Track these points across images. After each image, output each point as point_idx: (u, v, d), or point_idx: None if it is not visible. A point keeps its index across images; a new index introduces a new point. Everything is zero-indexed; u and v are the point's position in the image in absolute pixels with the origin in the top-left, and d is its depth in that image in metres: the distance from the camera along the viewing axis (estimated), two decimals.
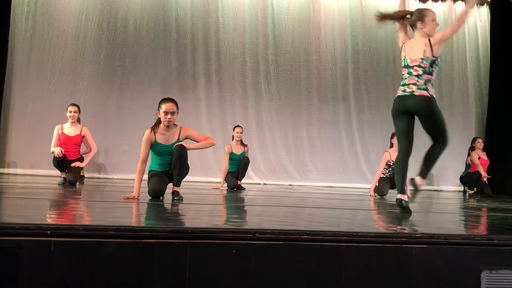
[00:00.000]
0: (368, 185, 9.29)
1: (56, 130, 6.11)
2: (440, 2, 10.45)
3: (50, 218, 2.48)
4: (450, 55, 10.28)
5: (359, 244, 2.18)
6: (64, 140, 6.06)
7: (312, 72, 9.63)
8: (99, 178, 8.20)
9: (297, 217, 3.46)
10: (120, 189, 5.64)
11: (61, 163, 5.89)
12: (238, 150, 6.89)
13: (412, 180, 3.60)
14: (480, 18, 10.52)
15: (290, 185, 9.08)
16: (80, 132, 6.20)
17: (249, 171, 9.09)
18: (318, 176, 9.44)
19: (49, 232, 1.95)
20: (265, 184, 9.02)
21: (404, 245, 2.19)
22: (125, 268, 2.00)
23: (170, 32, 9.01)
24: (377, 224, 3.18)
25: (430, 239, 2.23)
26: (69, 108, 6.18)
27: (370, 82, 9.83)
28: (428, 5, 10.38)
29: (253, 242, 2.13)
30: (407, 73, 3.71)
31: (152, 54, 8.90)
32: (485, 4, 10.52)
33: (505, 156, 8.85)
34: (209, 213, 3.45)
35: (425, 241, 2.22)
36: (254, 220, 3.09)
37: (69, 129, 6.15)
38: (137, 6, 8.93)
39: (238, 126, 7.05)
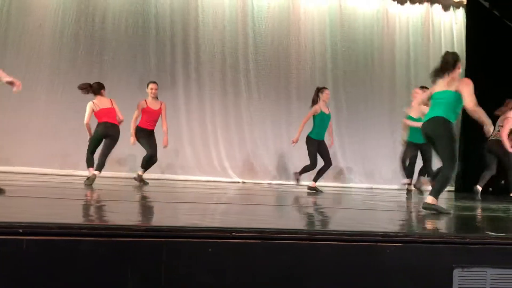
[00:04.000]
0: (346, 184, 9.41)
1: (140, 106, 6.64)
2: (417, 4, 10.62)
3: (22, 216, 2.43)
4: (426, 57, 10.46)
5: (334, 243, 2.20)
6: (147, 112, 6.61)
7: (291, 71, 9.67)
8: (76, 176, 8.08)
9: (275, 215, 3.47)
10: (96, 187, 5.56)
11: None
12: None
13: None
14: (456, 21, 10.73)
15: (269, 183, 9.10)
16: (160, 107, 6.66)
17: (228, 169, 9.12)
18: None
19: (21, 230, 1.91)
20: (244, 182, 9.02)
21: (379, 244, 2.22)
22: (100, 267, 1.98)
23: (149, 29, 8.93)
24: (352, 222, 3.21)
25: (404, 238, 2.27)
26: (150, 86, 6.66)
27: (349, 82, 9.92)
28: (406, 7, 10.55)
29: (229, 240, 2.12)
30: None
31: (130, 51, 8.81)
32: (461, 7, 10.73)
33: (480, 156, 9.02)
34: (186, 211, 3.44)
35: (399, 239, 2.25)
36: (232, 219, 3.08)
37: (151, 104, 6.65)
38: (115, 2, 8.82)
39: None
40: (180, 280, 2.04)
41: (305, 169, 7.01)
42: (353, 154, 9.69)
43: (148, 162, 6.55)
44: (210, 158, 9.04)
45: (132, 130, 6.55)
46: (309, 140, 6.96)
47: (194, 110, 9.09)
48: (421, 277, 2.21)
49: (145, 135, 6.56)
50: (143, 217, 2.93)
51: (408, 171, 6.79)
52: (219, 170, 9.06)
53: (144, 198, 4.59)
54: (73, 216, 2.84)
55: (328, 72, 9.82)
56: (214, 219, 3.02)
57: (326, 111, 6.97)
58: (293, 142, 7.10)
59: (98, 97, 6.16)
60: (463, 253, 2.28)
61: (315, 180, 6.92)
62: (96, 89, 6.13)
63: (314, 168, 6.96)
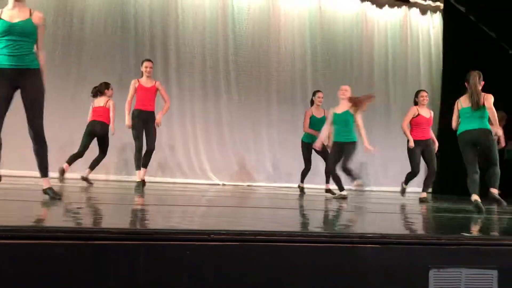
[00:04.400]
0: (324, 186, 9.46)
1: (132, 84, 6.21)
2: (396, 8, 10.77)
3: None
4: (404, 59, 10.61)
5: (313, 244, 2.21)
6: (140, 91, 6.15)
7: (271, 73, 9.70)
8: (55, 178, 7.94)
9: (254, 217, 3.47)
10: (74, 189, 5.49)
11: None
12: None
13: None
14: (433, 25, 10.92)
15: (249, 185, 9.10)
16: (154, 85, 6.22)
17: (208, 171, 9.09)
18: (277, 177, 9.51)
19: None
20: (224, 184, 9.01)
21: (356, 245, 2.24)
22: (77, 272, 1.95)
23: (128, 29, 8.85)
24: (331, 224, 3.24)
25: (382, 239, 2.29)
26: (145, 64, 6.23)
27: (329, 85, 9.97)
28: (384, 10, 10.69)
29: (208, 243, 2.11)
30: None
31: (109, 51, 8.70)
32: (438, 11, 10.93)
33: (456, 158, 9.18)
34: (164, 214, 3.42)
35: (376, 240, 2.27)
36: (211, 221, 3.07)
37: (145, 82, 6.20)
38: (94, 2, 8.71)
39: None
40: (158, 284, 2.03)
41: (302, 174, 7.06)
42: None
43: (148, 159, 5.95)
44: (189, 160, 9.00)
45: (126, 111, 6.10)
46: (302, 144, 7.03)
47: (173, 112, 9.02)
48: (398, 277, 2.23)
49: (141, 119, 5.98)
50: (120, 220, 2.90)
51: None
52: (199, 172, 9.03)
53: (121, 200, 4.54)
54: (49, 219, 2.79)
55: (308, 74, 9.88)
56: (193, 221, 3.01)
57: (318, 114, 7.01)
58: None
59: (100, 97, 6.64)
60: (438, 254, 2.32)
61: (327, 182, 6.89)
62: (101, 89, 6.72)
63: (309, 170, 6.93)
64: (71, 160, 6.38)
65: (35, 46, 3.67)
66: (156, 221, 2.92)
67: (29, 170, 7.58)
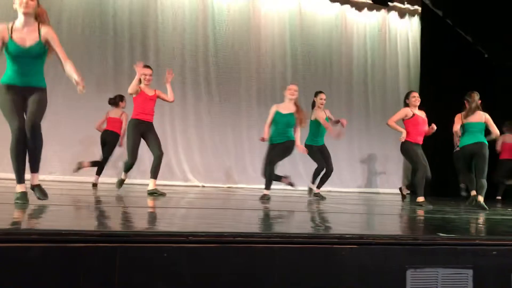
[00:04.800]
0: (305, 187, 9.50)
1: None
2: (375, 11, 10.89)
3: None
4: (383, 62, 10.73)
5: (291, 245, 2.21)
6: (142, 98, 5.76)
7: (252, 75, 9.69)
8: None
9: (234, 219, 3.46)
10: (49, 191, 5.38)
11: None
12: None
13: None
14: (411, 28, 11.08)
15: (229, 187, 9.08)
16: (155, 93, 5.91)
17: (187, 173, 9.02)
18: (257, 179, 9.49)
19: None
20: (204, 186, 8.96)
21: (334, 246, 2.25)
22: (50, 275, 1.90)
23: (106, 30, 8.74)
24: (309, 225, 3.25)
25: (359, 240, 2.31)
26: (144, 71, 5.77)
27: (308, 87, 10.02)
28: (364, 13, 10.79)
29: (186, 245, 2.09)
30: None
31: (87, 52, 8.57)
32: (416, 15, 11.10)
33: (433, 159, 9.32)
34: (142, 216, 3.38)
35: (354, 241, 2.28)
36: (190, 223, 3.05)
37: (145, 89, 5.80)
38: (72, 2, 8.58)
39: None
40: (135, 286, 2.00)
41: (315, 174, 6.84)
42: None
43: (157, 166, 5.59)
44: (169, 161, 8.92)
45: (137, 77, 5.70)
46: (307, 147, 6.87)
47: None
48: (375, 277, 2.25)
49: (139, 131, 5.64)
50: (96, 222, 2.85)
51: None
52: (178, 174, 8.96)
53: (98, 202, 4.48)
54: (22, 221, 2.73)
55: (288, 76, 9.90)
56: (171, 223, 2.98)
57: (321, 116, 6.74)
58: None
59: (116, 108, 6.97)
60: (415, 254, 2.34)
61: (318, 186, 6.70)
62: (116, 101, 7.06)
63: (322, 170, 6.70)
64: (99, 170, 6.96)
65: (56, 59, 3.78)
66: (133, 224, 2.88)
67: (5, 172, 7.48)
